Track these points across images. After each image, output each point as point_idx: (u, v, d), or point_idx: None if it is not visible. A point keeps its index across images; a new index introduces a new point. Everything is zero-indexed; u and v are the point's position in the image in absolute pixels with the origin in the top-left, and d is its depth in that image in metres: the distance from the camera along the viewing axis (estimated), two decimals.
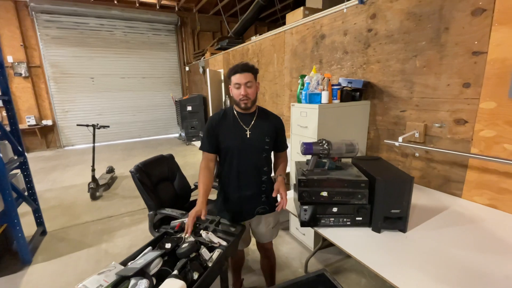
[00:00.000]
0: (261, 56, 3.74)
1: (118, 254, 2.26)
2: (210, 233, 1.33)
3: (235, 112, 1.45)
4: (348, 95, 2.02)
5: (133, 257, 1.18)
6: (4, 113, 2.52)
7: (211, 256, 1.19)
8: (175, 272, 1.05)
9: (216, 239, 1.30)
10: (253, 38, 3.98)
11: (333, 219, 1.39)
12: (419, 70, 1.78)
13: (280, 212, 1.58)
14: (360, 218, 1.38)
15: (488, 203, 1.54)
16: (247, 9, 5.10)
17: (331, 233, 1.35)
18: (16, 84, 5.89)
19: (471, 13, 1.50)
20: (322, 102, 1.88)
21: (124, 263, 1.15)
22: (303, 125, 2.00)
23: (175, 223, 1.39)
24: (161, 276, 1.07)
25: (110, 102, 6.96)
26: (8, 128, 2.38)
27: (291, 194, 1.81)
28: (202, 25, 7.52)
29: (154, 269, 1.11)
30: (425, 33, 1.72)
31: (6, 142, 2.30)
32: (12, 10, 5.65)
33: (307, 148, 1.37)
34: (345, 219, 1.39)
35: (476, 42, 1.50)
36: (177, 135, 7.67)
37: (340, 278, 1.94)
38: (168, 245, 1.21)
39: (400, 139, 1.77)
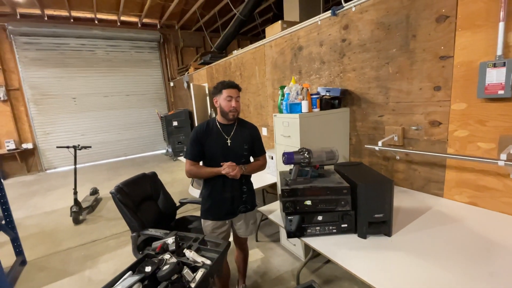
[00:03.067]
0: (243, 69, 3.79)
1: (102, 280, 2.15)
2: (193, 252, 1.29)
3: (218, 123, 1.63)
4: (327, 103, 2.06)
5: (112, 283, 1.12)
6: None
7: (194, 276, 1.15)
8: None
9: (199, 258, 1.26)
10: (235, 52, 4.05)
11: (319, 227, 1.38)
12: (392, 76, 1.85)
13: (256, 212, 1.80)
14: (346, 225, 1.38)
15: (468, 201, 1.58)
16: (228, 25, 5.21)
17: (318, 242, 1.34)
18: None
19: (436, 20, 1.58)
20: (302, 111, 1.91)
21: None
22: (286, 135, 2.02)
23: (156, 244, 1.34)
24: None
25: (93, 122, 6.82)
26: None
27: (278, 205, 1.80)
28: (185, 41, 7.59)
29: None
30: (395, 41, 1.79)
31: None
32: None
33: (288, 157, 1.37)
34: (331, 227, 1.38)
35: (442, 47, 1.57)
36: (164, 151, 7.56)
37: (333, 287, 1.91)
38: (148, 269, 1.16)
39: (380, 143, 1.81)
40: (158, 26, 7.31)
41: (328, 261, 2.15)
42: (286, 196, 1.35)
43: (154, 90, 7.59)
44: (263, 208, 1.97)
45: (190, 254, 1.28)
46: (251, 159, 1.74)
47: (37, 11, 5.80)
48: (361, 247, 1.28)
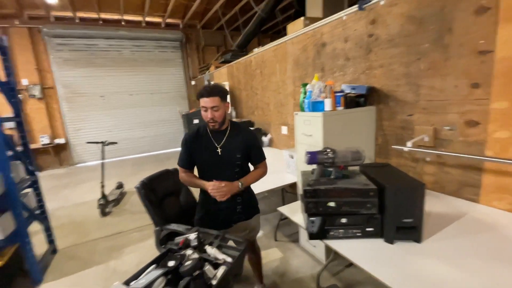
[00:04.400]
0: (263, 67, 3.77)
1: (126, 271, 2.23)
2: (214, 249, 1.30)
3: (208, 130, 1.52)
4: (352, 101, 1.99)
5: (137, 276, 1.16)
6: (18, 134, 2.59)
7: (216, 273, 1.15)
8: None
9: (221, 256, 1.26)
10: (256, 50, 4.03)
11: (342, 230, 1.34)
12: (424, 73, 1.74)
13: (255, 219, 1.68)
14: (371, 229, 1.32)
15: (509, 208, 1.45)
16: (249, 23, 5.20)
17: (342, 245, 1.29)
18: (31, 105, 6.13)
19: (474, 12, 1.46)
20: (325, 109, 1.85)
21: (127, 282, 1.12)
22: (307, 134, 1.97)
23: (179, 239, 1.36)
24: None
25: (119, 119, 7.13)
26: (20, 149, 2.45)
27: (298, 205, 1.76)
28: (206, 40, 7.70)
29: None
30: (427, 35, 1.68)
31: (18, 162, 2.36)
32: (27, 36, 5.95)
33: (311, 157, 1.34)
34: (355, 230, 1.33)
35: (481, 41, 1.45)
36: None
37: None
38: (171, 263, 1.17)
39: (409, 144, 1.71)
40: (181, 26, 7.47)
41: (350, 265, 2.08)
42: (309, 197, 1.31)
43: (176, 89, 7.79)
44: (283, 208, 1.95)
45: (211, 250, 1.28)
46: (251, 166, 1.63)
47: (69, 14, 6.14)
48: (387, 252, 1.22)
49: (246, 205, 1.60)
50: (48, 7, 5.81)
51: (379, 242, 1.30)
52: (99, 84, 6.79)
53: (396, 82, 1.92)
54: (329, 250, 2.02)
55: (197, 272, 1.14)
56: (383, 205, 1.28)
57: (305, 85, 2.01)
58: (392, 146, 1.97)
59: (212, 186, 1.41)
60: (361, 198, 1.30)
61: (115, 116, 7.07)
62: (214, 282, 1.11)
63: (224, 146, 1.49)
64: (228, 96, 1.52)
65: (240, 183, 1.48)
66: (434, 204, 1.62)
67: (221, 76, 5.64)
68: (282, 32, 7.68)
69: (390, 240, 1.29)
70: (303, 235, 2.34)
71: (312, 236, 1.35)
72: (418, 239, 1.26)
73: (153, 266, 1.23)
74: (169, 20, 7.13)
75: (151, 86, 7.39)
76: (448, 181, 1.72)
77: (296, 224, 2.54)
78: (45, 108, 6.29)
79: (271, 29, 7.80)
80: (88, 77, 6.67)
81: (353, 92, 2.03)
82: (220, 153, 1.48)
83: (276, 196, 3.58)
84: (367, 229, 1.32)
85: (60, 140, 6.46)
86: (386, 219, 1.28)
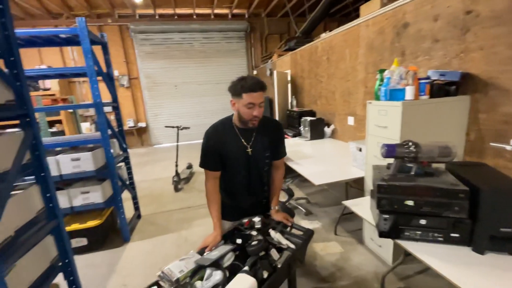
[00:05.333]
0: (331, 53, 3.57)
1: (195, 241, 2.50)
2: (278, 233, 1.33)
3: (236, 127, 1.37)
4: (440, 89, 1.72)
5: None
6: (112, 117, 3.10)
7: (280, 257, 1.19)
8: (246, 268, 1.09)
9: (284, 241, 1.29)
10: (323, 35, 3.84)
11: (420, 232, 1.21)
12: None
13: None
14: (457, 235, 1.16)
15: None
16: (316, 7, 4.95)
17: (418, 248, 1.17)
18: (120, 93, 7.22)
19: None
20: (406, 98, 1.66)
21: (201, 252, 1.26)
22: (381, 125, 1.81)
23: (245, 219, 1.44)
24: (233, 270, 1.13)
25: (189, 107, 7.83)
26: (115, 129, 2.93)
27: (367, 201, 1.66)
28: (270, 28, 7.68)
29: (227, 262, 1.17)
30: None
31: (115, 140, 2.83)
32: (117, 33, 6.97)
33: (389, 150, 1.22)
34: (436, 234, 1.19)
35: None
36: None
37: None
38: (239, 241, 1.26)
39: None
40: (246, 16, 7.62)
41: (422, 271, 1.89)
42: (383, 193, 1.22)
43: None
44: (348, 202, 1.86)
45: (275, 235, 1.33)
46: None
47: (150, 11, 6.90)
48: (477, 263, 1.06)
49: (268, 197, 1.55)
50: (134, 6, 6.63)
51: (465, 251, 1.13)
52: (173, 75, 7.54)
53: (500, 67, 1.58)
54: (398, 252, 1.86)
55: (263, 253, 1.20)
56: (476, 210, 1.10)
57: (382, 71, 1.83)
58: (490, 144, 1.65)
59: (209, 244, 1.27)
60: (447, 200, 1.14)
61: (185, 104, 7.78)
62: (279, 265, 1.15)
63: (254, 145, 1.36)
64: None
65: (275, 207, 1.48)
66: None
67: (283, 64, 5.59)
68: (352, 15, 7.11)
69: (480, 250, 1.11)
70: (368, 233, 2.20)
71: (383, 234, 1.26)
72: None
73: (222, 241, 1.35)
74: (235, 11, 7.34)
75: (216, 76, 7.83)
76: None
77: (359, 221, 2.42)
78: (131, 96, 7.34)
79: (339, 11, 7.28)
80: (165, 68, 7.46)
81: (442, 79, 1.75)
82: (250, 153, 1.35)
83: (336, 190, 3.44)
84: (452, 235, 1.16)
85: (142, 124, 7.49)
86: (478, 226, 1.10)
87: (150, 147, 7.61)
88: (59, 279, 1.51)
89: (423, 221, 1.19)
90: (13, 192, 1.24)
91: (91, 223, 2.44)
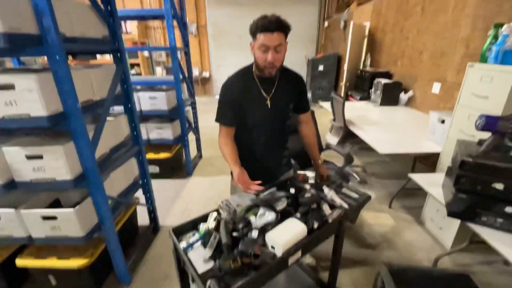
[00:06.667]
0: (429, 2, 2.93)
1: None
2: (332, 191, 1.32)
3: (255, 77, 1.22)
4: None
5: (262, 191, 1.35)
6: (183, 63, 3.27)
7: (332, 213, 1.19)
8: (298, 215, 1.13)
9: (338, 200, 1.28)
10: None
11: (502, 220, 1.05)
12: None
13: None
14: None
15: None
16: None
17: (496, 237, 1.03)
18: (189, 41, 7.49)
19: None
20: None
21: (256, 194, 1.34)
22: (481, 95, 1.49)
23: (299, 173, 1.45)
24: (285, 215, 1.18)
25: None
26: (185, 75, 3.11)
27: (440, 178, 1.49)
28: None
29: (279, 206, 1.23)
30: None
31: (184, 85, 3.04)
32: None
33: (488, 122, 1.02)
34: None
35: None
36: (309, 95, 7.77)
37: None
38: (292, 190, 1.30)
39: None
40: None
41: (488, 263, 1.70)
42: (466, 170, 1.06)
43: (307, 31, 7.45)
44: (415, 176, 1.70)
45: (329, 192, 1.32)
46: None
47: None
48: None
49: (287, 156, 1.47)
50: None
51: None
52: (238, 24, 7.33)
53: None
54: (461, 237, 1.69)
55: (315, 206, 1.22)
56: None
57: (499, 25, 1.44)
58: None
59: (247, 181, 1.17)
60: None
61: (249, 57, 7.61)
62: (329, 220, 1.16)
63: (274, 97, 1.23)
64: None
65: (320, 161, 1.40)
66: None
67: (362, 15, 4.88)
68: None
69: None
70: (429, 212, 2.03)
71: (452, 214, 1.14)
72: None
73: (274, 188, 1.41)
74: None
75: None
76: None
77: (419, 199, 2.23)
78: (198, 45, 7.53)
79: None
80: (231, 16, 7.26)
81: None
82: (269, 106, 1.22)
83: (399, 163, 3.17)
84: None
85: (206, 74, 7.79)
86: None
87: (211, 97, 8.00)
88: (139, 193, 1.86)
89: (510, 209, 1.03)
90: (108, 118, 1.47)
91: (163, 155, 2.82)
